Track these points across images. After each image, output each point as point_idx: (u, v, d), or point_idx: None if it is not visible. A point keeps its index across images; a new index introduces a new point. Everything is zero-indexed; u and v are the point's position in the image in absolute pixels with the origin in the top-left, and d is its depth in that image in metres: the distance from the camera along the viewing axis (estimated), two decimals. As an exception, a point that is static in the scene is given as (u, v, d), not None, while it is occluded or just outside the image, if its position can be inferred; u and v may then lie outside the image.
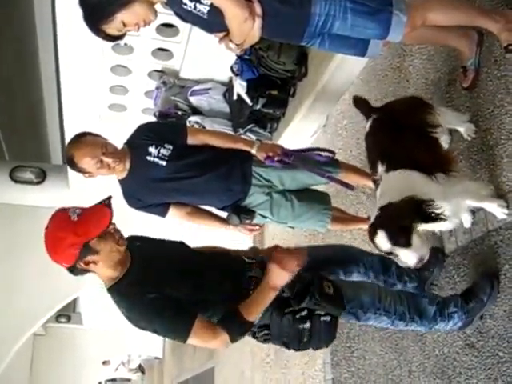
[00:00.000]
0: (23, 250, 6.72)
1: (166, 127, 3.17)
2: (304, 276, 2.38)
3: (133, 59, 4.80)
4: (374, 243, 2.26)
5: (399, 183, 2.31)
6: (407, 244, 2.17)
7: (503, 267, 2.50)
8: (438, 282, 2.92)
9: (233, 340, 2.18)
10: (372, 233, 2.25)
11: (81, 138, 2.86)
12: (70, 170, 6.13)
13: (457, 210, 2.38)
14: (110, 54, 4.63)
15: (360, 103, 2.96)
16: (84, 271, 2.20)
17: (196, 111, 5.03)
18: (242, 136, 4.71)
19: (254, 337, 2.44)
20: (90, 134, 2.90)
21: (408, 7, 2.37)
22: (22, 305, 6.99)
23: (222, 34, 2.45)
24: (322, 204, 3.20)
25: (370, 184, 3.38)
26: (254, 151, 2.95)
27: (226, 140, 3.06)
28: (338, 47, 2.56)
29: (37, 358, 13.31)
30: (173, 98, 4.99)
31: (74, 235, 2.08)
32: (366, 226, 3.46)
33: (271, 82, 4.50)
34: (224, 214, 3.13)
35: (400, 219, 2.18)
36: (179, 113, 5.07)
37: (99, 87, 5.07)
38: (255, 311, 2.21)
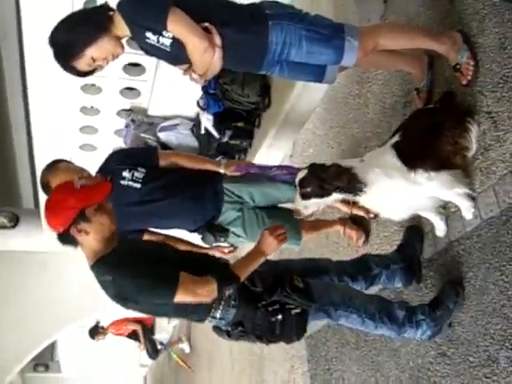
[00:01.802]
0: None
1: (138, 151, 3.24)
2: (275, 274, 2.52)
3: (101, 99, 4.89)
4: None
5: (381, 159, 2.51)
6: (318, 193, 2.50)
7: (467, 275, 2.59)
8: (408, 296, 3.01)
9: (219, 289, 2.28)
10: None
11: (56, 164, 2.93)
12: (42, 214, 6.16)
13: (412, 206, 2.59)
14: (78, 94, 4.71)
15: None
16: (73, 242, 2.35)
17: (165, 147, 5.09)
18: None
19: (229, 335, 2.51)
20: (64, 160, 2.96)
21: (359, 33, 2.52)
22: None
23: (185, 66, 2.57)
24: (291, 220, 3.26)
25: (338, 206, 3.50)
26: (221, 170, 3.07)
27: (195, 161, 3.16)
28: (296, 74, 2.70)
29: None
30: (142, 135, 5.06)
31: (74, 199, 2.29)
32: (341, 228, 3.56)
33: (237, 114, 4.62)
34: (197, 238, 3.20)
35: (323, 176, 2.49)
36: (149, 149, 5.15)
37: (69, 128, 5.14)
38: (244, 269, 2.36)
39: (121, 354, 11.85)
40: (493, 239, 2.44)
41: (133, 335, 9.84)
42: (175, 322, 10.26)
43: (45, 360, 13.14)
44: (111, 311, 9.19)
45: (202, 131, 4.83)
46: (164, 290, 2.26)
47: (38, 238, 6.63)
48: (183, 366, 9.02)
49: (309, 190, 2.49)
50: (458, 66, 2.62)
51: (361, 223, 3.56)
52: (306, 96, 3.92)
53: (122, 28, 2.49)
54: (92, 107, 4.98)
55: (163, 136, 5.04)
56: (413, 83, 3.02)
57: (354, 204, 3.43)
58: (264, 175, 3.20)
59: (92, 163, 5.00)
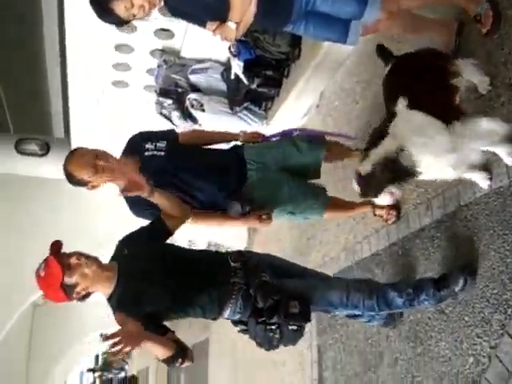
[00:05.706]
0: (26, 220, 6.84)
1: (157, 131, 3.20)
2: (275, 288, 2.63)
3: (136, 38, 4.94)
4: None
5: (412, 125, 2.38)
6: (376, 195, 2.48)
7: (472, 238, 2.67)
8: (413, 253, 3.15)
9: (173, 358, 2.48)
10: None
11: (74, 151, 2.86)
12: (73, 143, 6.32)
13: (463, 160, 2.41)
14: (114, 32, 4.74)
15: (380, 50, 3.00)
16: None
17: (195, 89, 5.17)
18: (239, 114, 4.96)
19: (234, 324, 2.82)
20: (81, 148, 2.88)
21: None
22: (21, 274, 7.12)
23: (215, 25, 2.64)
24: (317, 188, 3.29)
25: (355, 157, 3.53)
26: (240, 139, 3.21)
27: (215, 136, 3.28)
28: (321, 31, 2.78)
29: (36, 327, 13.46)
30: (173, 75, 5.13)
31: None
32: (370, 210, 3.47)
33: (267, 62, 4.66)
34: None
35: (374, 179, 2.42)
36: (179, 90, 5.22)
37: (103, 64, 5.20)
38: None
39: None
40: (500, 208, 2.53)
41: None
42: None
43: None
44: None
45: (232, 76, 4.88)
46: None
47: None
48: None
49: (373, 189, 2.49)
50: (478, 17, 2.66)
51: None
52: (336, 50, 3.96)
53: None
54: (126, 45, 5.03)
55: (194, 78, 5.09)
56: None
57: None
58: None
59: (122, 101, 5.15)
